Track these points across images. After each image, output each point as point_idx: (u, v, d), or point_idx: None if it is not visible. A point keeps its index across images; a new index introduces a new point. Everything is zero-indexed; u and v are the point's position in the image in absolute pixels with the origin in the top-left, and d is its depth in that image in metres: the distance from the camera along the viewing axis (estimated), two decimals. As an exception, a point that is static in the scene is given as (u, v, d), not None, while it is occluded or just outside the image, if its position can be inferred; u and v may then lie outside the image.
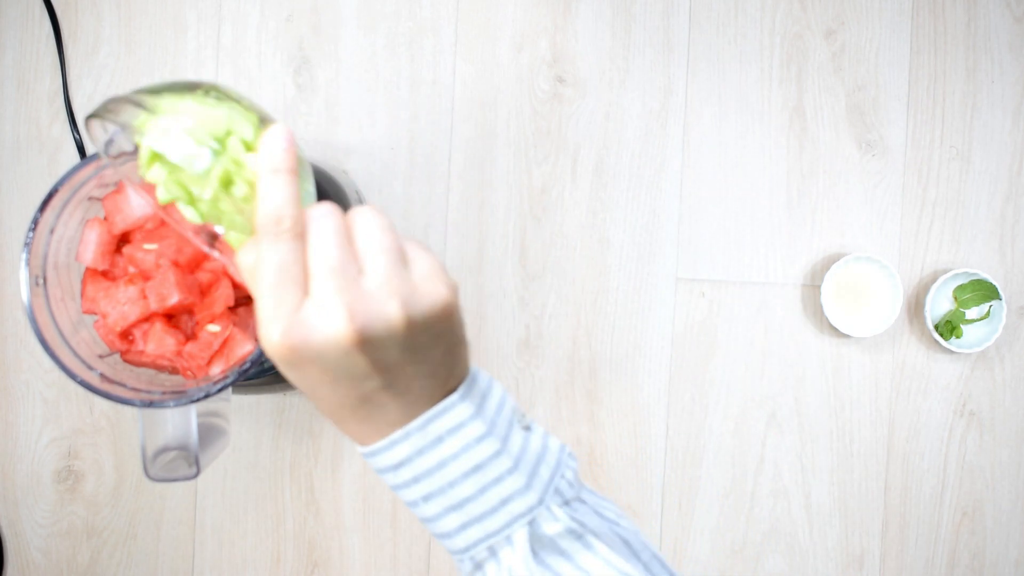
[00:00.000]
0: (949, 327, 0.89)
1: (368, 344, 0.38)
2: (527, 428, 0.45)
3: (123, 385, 0.53)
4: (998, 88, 0.92)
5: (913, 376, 0.92)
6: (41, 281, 0.53)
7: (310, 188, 0.46)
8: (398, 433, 0.42)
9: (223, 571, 0.91)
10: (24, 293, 0.52)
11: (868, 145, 0.92)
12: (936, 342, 0.90)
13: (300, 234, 0.39)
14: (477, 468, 0.42)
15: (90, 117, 0.44)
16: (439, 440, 0.42)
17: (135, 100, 0.43)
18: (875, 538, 0.92)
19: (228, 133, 0.43)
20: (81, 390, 0.90)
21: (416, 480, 0.42)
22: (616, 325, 0.91)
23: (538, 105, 0.91)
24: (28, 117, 0.90)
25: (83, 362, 0.53)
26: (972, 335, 0.90)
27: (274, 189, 0.40)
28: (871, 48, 0.92)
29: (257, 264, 0.39)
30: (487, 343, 0.91)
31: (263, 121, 0.44)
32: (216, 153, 0.42)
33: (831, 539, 0.92)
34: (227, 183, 0.42)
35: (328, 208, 0.40)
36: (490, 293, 0.91)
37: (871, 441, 0.91)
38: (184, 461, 0.54)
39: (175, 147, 0.42)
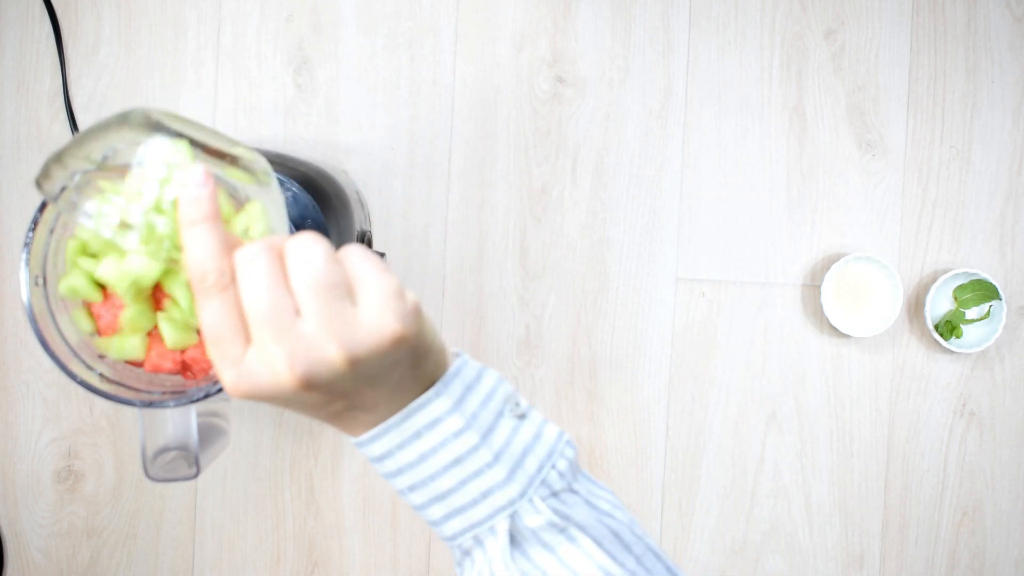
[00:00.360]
0: (949, 327, 0.89)
1: (314, 385, 0.38)
2: (521, 416, 0.45)
3: (123, 385, 0.53)
4: (998, 88, 0.92)
5: (913, 376, 0.92)
6: (41, 281, 0.52)
7: (276, 208, 0.46)
8: (377, 429, 0.42)
9: (223, 571, 0.91)
10: (24, 293, 0.52)
11: (868, 145, 0.92)
12: (936, 342, 0.90)
13: (228, 284, 0.38)
14: (456, 461, 0.42)
15: (39, 186, 0.43)
16: (417, 435, 0.42)
17: (73, 176, 0.43)
18: (875, 538, 0.92)
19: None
20: (81, 390, 0.90)
21: (400, 472, 0.43)
22: (616, 325, 0.91)
23: (538, 105, 0.91)
24: (28, 117, 0.90)
25: (83, 362, 0.53)
26: (972, 335, 0.90)
27: (193, 243, 0.39)
28: (871, 48, 0.92)
29: (199, 318, 0.39)
30: (487, 343, 0.91)
31: (195, 144, 0.43)
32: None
33: (831, 539, 0.92)
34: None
35: (255, 249, 0.38)
36: (490, 293, 0.91)
37: (871, 441, 0.91)
38: (184, 461, 0.54)
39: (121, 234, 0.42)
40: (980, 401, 0.92)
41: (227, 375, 0.38)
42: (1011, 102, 0.92)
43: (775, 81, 0.91)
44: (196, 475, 0.54)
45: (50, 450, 0.90)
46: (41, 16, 0.90)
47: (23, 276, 0.51)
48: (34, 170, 0.90)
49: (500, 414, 0.44)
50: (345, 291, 0.38)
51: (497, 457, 0.43)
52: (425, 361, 0.42)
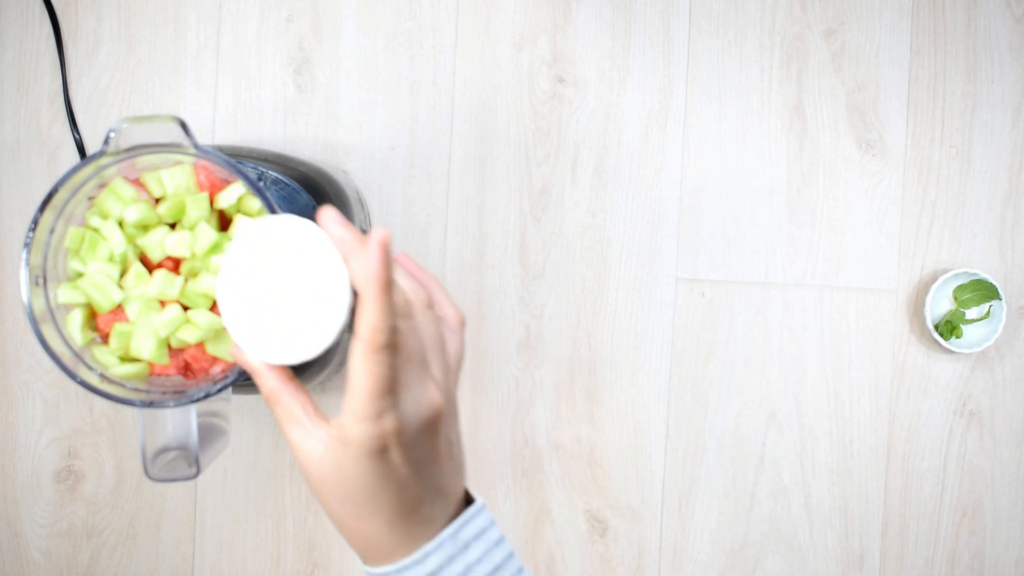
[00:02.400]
0: (949, 327, 0.89)
1: (443, 418, 0.44)
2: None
3: (123, 385, 0.53)
4: (998, 88, 0.92)
5: (913, 376, 0.92)
6: (41, 281, 0.52)
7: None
8: (431, 544, 0.44)
9: (223, 571, 0.91)
10: (24, 293, 0.52)
11: (868, 145, 0.92)
12: (936, 342, 0.90)
13: (398, 341, 0.42)
14: (496, 569, 0.45)
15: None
16: (466, 547, 0.45)
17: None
18: (875, 538, 0.92)
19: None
20: (81, 390, 0.90)
21: None
22: (616, 325, 0.91)
23: (538, 105, 0.91)
24: (28, 117, 0.90)
25: (83, 362, 0.53)
26: (972, 335, 0.90)
27: (375, 309, 0.40)
28: (871, 48, 0.92)
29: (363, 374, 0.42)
30: (487, 343, 0.91)
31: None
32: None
33: (831, 539, 0.92)
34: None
35: (422, 308, 0.44)
36: (490, 293, 0.91)
37: (871, 441, 0.91)
38: (184, 461, 0.54)
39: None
40: (980, 401, 0.92)
41: (387, 421, 0.41)
42: (1011, 102, 0.92)
43: (775, 81, 0.91)
44: (196, 475, 0.54)
45: (50, 450, 0.90)
46: (41, 16, 0.90)
47: (23, 276, 0.51)
48: (34, 170, 0.90)
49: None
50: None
51: (521, 564, 0.47)
52: (460, 456, 0.47)
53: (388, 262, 0.40)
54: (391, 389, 0.41)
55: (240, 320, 0.44)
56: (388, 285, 0.40)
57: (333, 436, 0.42)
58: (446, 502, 0.45)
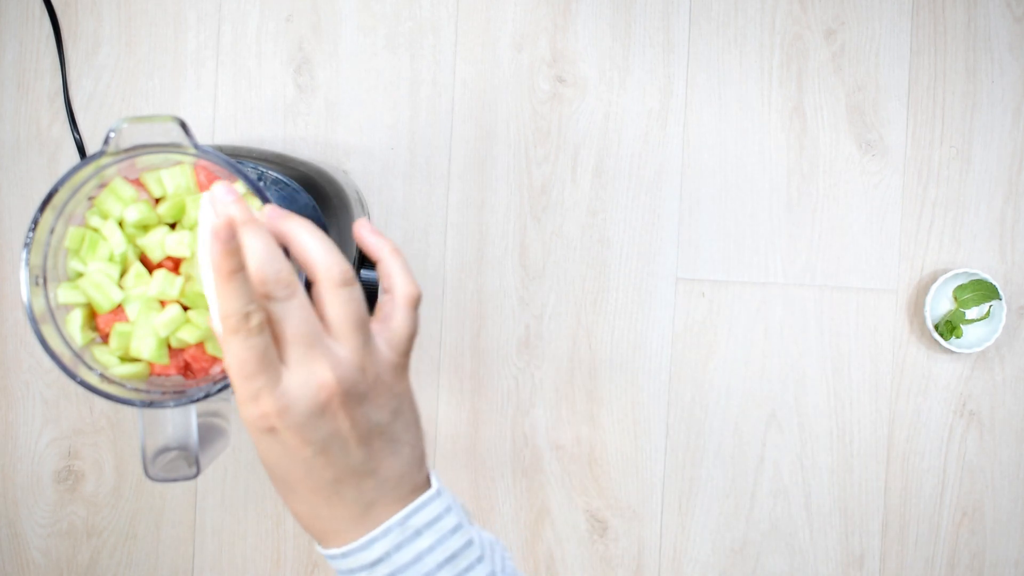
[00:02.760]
0: (949, 327, 0.89)
1: (352, 395, 0.40)
2: (470, 520, 0.46)
3: (123, 385, 0.53)
4: (998, 88, 0.92)
5: (913, 376, 0.92)
6: (41, 281, 0.52)
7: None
8: (377, 531, 0.42)
9: (223, 571, 0.91)
10: (24, 293, 0.52)
11: (868, 145, 0.92)
12: (936, 342, 0.90)
13: (265, 321, 0.40)
14: (451, 558, 0.43)
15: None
16: (417, 534, 0.43)
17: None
18: (875, 538, 0.92)
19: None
20: (81, 390, 0.90)
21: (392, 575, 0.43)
22: (616, 325, 0.91)
23: (538, 105, 0.91)
24: (28, 117, 0.90)
25: (83, 362, 0.53)
26: (972, 335, 0.90)
27: (229, 292, 0.39)
28: (871, 48, 0.92)
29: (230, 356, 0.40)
30: (487, 343, 0.91)
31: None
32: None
33: (831, 539, 0.92)
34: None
35: (292, 279, 0.40)
36: (490, 293, 0.91)
37: (871, 441, 0.91)
38: (184, 461, 0.54)
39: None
40: (980, 401, 0.92)
41: (265, 403, 0.40)
42: (1011, 102, 0.92)
43: (775, 81, 0.91)
44: (196, 475, 0.54)
45: (50, 450, 0.90)
46: (41, 16, 0.90)
47: (23, 276, 0.51)
48: (34, 170, 0.90)
49: (467, 513, 0.46)
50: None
51: (483, 552, 0.44)
52: (419, 433, 0.44)
53: (227, 250, 0.39)
54: (259, 371, 0.39)
55: (206, 290, 0.45)
56: (229, 273, 0.39)
57: None
58: (381, 486, 0.43)
